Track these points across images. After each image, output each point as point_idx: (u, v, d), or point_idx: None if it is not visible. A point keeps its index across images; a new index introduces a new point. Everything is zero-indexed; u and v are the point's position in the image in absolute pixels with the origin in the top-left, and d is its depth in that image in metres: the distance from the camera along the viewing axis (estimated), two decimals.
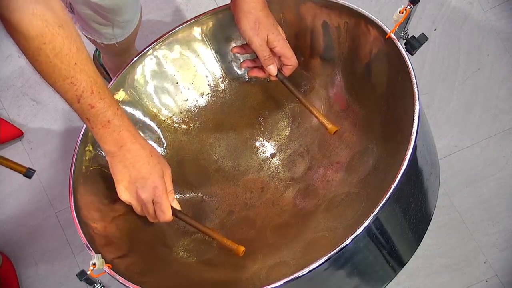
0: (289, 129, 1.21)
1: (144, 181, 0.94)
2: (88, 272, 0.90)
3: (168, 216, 0.98)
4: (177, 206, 1.02)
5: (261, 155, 1.22)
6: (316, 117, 1.10)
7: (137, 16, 1.29)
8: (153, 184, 0.94)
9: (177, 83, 1.19)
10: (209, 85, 1.21)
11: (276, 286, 0.84)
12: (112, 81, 1.11)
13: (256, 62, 1.12)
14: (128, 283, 0.91)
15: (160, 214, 0.97)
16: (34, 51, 0.80)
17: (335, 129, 1.09)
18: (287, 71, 1.10)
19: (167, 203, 0.97)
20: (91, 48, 1.69)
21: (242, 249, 1.04)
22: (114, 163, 0.94)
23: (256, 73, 1.13)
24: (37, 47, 0.79)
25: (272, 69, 1.08)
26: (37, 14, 0.77)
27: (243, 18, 1.04)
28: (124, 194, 0.96)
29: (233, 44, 1.18)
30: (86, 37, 1.29)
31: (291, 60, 1.08)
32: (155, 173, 0.95)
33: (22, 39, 0.78)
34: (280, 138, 1.22)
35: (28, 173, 1.01)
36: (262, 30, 1.04)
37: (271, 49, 1.07)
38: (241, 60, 1.20)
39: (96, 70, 0.87)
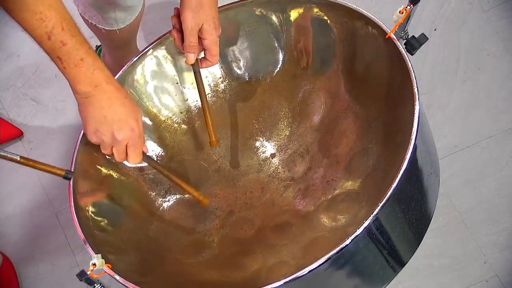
0: (289, 129, 1.21)
1: (122, 123, 0.93)
2: (88, 272, 0.90)
3: (139, 159, 0.99)
4: (146, 150, 1.03)
5: (261, 155, 1.22)
6: (206, 120, 1.11)
7: (140, 1, 1.28)
8: (130, 127, 0.94)
9: (177, 83, 1.19)
10: (209, 85, 1.21)
11: (276, 286, 0.84)
12: None
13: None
14: (127, 283, 0.91)
15: (132, 156, 0.98)
16: None
17: (215, 144, 1.12)
18: (205, 65, 1.09)
19: (141, 147, 0.98)
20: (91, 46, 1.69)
21: (207, 201, 1.12)
22: (88, 103, 0.91)
23: (178, 41, 1.08)
24: None
25: (191, 58, 1.06)
26: None
27: None
28: (95, 134, 0.94)
29: (233, 45, 1.18)
30: (88, 22, 1.27)
31: (213, 58, 1.07)
32: (132, 116, 0.94)
33: None
34: (280, 138, 1.21)
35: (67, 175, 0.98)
36: (201, 16, 1.01)
37: (200, 39, 1.04)
38: (241, 61, 1.20)
39: (66, 8, 0.85)
